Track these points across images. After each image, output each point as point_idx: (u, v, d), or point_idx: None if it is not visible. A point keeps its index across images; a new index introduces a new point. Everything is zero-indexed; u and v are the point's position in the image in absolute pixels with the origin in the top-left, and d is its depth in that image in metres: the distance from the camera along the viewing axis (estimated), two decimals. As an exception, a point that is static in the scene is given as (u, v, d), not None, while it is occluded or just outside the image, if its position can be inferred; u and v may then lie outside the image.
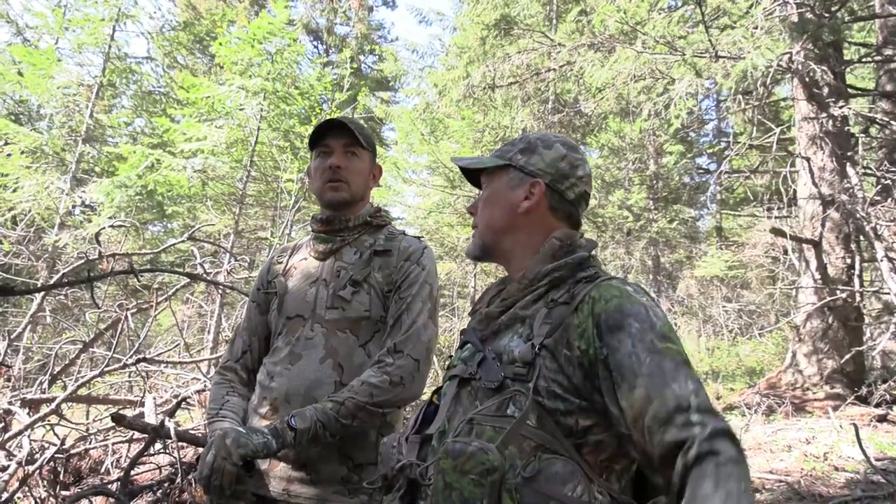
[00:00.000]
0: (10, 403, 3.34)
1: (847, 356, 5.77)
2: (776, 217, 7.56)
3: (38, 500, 2.96)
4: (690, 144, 14.31)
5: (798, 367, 6.22)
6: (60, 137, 10.93)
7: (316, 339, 1.45)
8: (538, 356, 0.90)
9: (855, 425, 3.71)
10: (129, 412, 3.57)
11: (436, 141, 10.75)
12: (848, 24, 6.47)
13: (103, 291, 8.34)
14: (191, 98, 9.24)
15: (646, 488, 0.93)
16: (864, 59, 7.36)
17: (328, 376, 1.42)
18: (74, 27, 11.08)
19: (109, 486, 3.07)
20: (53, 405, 3.22)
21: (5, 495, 2.63)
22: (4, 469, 2.78)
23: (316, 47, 19.22)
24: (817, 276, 6.09)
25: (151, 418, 3.03)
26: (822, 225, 6.13)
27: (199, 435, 3.03)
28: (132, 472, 2.98)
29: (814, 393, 5.93)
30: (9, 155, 9.26)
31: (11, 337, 4.04)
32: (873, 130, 6.94)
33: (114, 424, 3.28)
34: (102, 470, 3.56)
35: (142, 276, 5.12)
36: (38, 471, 2.89)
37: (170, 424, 2.69)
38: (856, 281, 5.98)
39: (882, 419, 5.11)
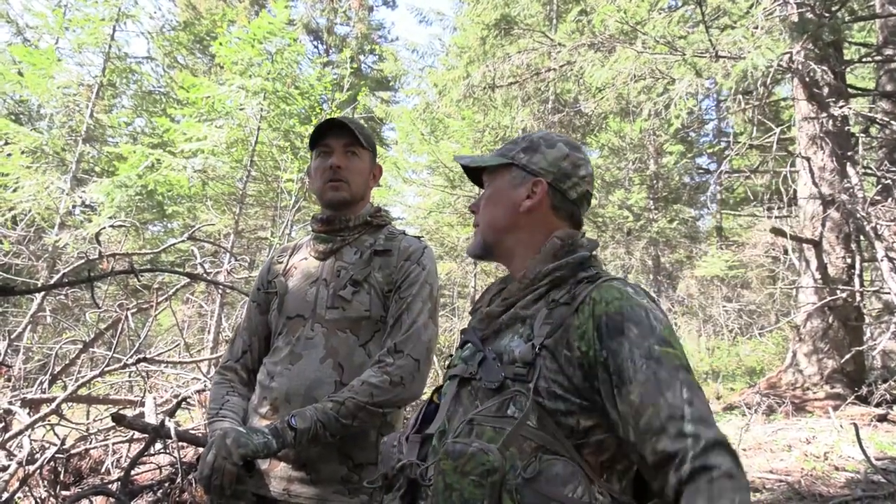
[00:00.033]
0: (10, 403, 3.34)
1: (847, 356, 5.77)
2: (776, 217, 7.56)
3: (38, 500, 2.96)
4: (691, 144, 14.32)
5: (798, 366, 6.22)
6: (60, 137, 10.93)
7: (316, 338, 1.45)
8: (538, 356, 0.90)
9: (855, 425, 3.71)
10: (129, 412, 3.58)
11: (436, 141, 10.76)
12: (848, 23, 6.48)
13: (103, 291, 8.34)
14: (191, 98, 9.24)
15: (646, 489, 0.93)
16: (864, 59, 7.36)
17: (328, 376, 1.42)
18: (74, 27, 11.09)
19: (110, 485, 3.07)
20: (54, 405, 3.22)
21: (6, 495, 2.63)
22: (5, 469, 2.78)
23: (316, 47, 19.23)
24: (817, 275, 6.09)
25: (152, 418, 3.03)
26: (823, 225, 6.13)
27: (200, 435, 3.03)
28: (132, 472, 2.98)
29: (814, 393, 5.94)
30: (9, 155, 9.27)
31: (12, 337, 4.04)
32: (873, 130, 6.94)
33: (114, 424, 3.29)
34: (103, 470, 3.56)
35: (142, 275, 5.12)
36: (38, 471, 2.89)
37: (170, 424, 2.69)
38: (856, 281, 5.98)
39: (882, 419, 5.11)
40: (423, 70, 13.18)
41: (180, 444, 2.81)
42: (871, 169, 6.38)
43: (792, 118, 7.84)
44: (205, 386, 3.82)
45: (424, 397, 1.16)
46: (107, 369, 3.60)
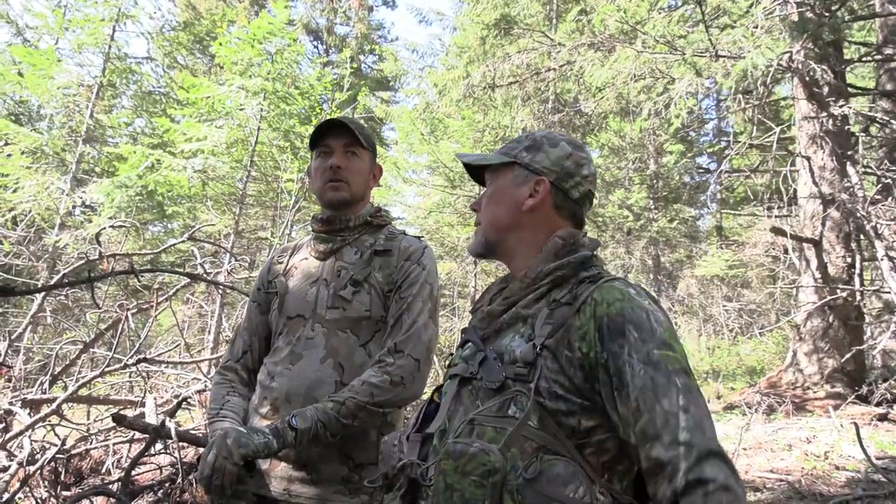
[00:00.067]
0: (10, 404, 3.34)
1: (848, 355, 5.77)
2: (776, 216, 7.57)
3: (39, 500, 2.96)
4: (691, 144, 14.33)
5: (799, 366, 6.22)
6: (61, 138, 10.93)
7: (316, 338, 1.45)
8: (539, 356, 0.90)
9: (856, 424, 3.72)
10: (129, 412, 3.58)
11: (436, 141, 10.76)
12: (848, 23, 6.48)
13: (104, 292, 8.34)
14: (191, 98, 9.24)
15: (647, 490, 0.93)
16: (864, 58, 7.37)
17: (329, 376, 1.42)
18: (74, 27, 11.09)
19: (110, 486, 3.07)
20: (54, 405, 3.23)
21: (6, 496, 2.63)
22: (5, 469, 2.78)
23: (316, 47, 19.23)
24: (818, 275, 6.09)
25: (152, 418, 3.03)
26: (823, 224, 6.13)
27: (200, 435, 3.03)
28: (133, 473, 2.98)
29: (814, 392, 5.94)
30: (9, 155, 9.27)
31: (12, 337, 4.04)
32: (873, 129, 6.94)
33: (115, 425, 3.29)
34: (103, 470, 3.56)
35: (142, 276, 5.12)
36: (39, 471, 2.89)
37: (170, 424, 2.69)
38: (856, 280, 5.98)
39: (883, 418, 5.12)
40: (423, 70, 13.18)
41: (181, 444, 2.81)
42: (871, 168, 6.38)
43: (792, 117, 7.84)
44: (205, 386, 3.82)
45: (425, 397, 1.16)
46: (107, 370, 3.60)
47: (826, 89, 6.25)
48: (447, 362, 1.11)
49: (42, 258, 8.75)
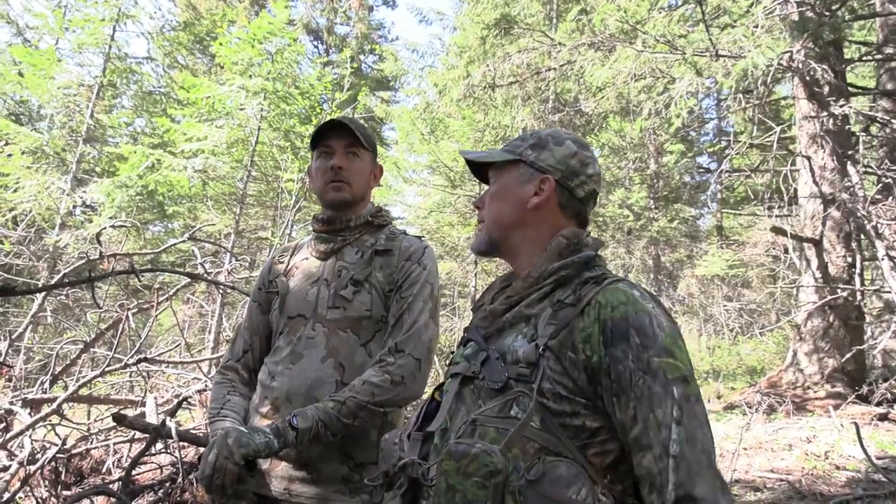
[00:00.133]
0: (11, 403, 3.34)
1: (848, 355, 5.77)
2: (777, 216, 7.56)
3: (39, 500, 2.96)
4: (691, 143, 14.32)
5: (799, 365, 6.22)
6: (61, 138, 10.93)
7: (317, 338, 1.45)
8: (542, 357, 0.90)
9: (856, 424, 3.72)
10: (130, 412, 3.58)
11: (436, 140, 10.75)
12: (848, 22, 6.47)
13: (104, 291, 8.34)
14: (191, 98, 9.24)
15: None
16: (864, 58, 7.36)
17: (329, 376, 1.42)
18: (74, 27, 11.09)
19: (111, 485, 3.07)
20: (54, 405, 3.23)
21: (7, 495, 2.63)
22: (6, 469, 2.78)
23: (316, 47, 19.23)
24: (818, 274, 6.09)
25: (153, 418, 3.03)
26: (823, 224, 6.13)
27: (201, 434, 3.03)
28: (133, 472, 2.98)
29: (815, 392, 5.94)
30: (9, 155, 9.27)
31: (13, 337, 4.05)
32: (874, 129, 6.94)
33: (115, 424, 3.29)
34: (104, 470, 3.56)
35: (143, 276, 5.12)
36: (39, 471, 2.89)
37: (171, 424, 2.69)
38: (857, 280, 5.98)
39: (883, 418, 5.12)
40: (423, 70, 13.16)
41: (181, 443, 2.81)
42: (871, 168, 6.38)
43: (792, 117, 7.84)
44: (206, 386, 3.82)
45: (425, 396, 1.15)
46: (108, 369, 3.60)
47: (826, 89, 6.25)
48: (448, 361, 1.11)
49: (42, 258, 8.75)
